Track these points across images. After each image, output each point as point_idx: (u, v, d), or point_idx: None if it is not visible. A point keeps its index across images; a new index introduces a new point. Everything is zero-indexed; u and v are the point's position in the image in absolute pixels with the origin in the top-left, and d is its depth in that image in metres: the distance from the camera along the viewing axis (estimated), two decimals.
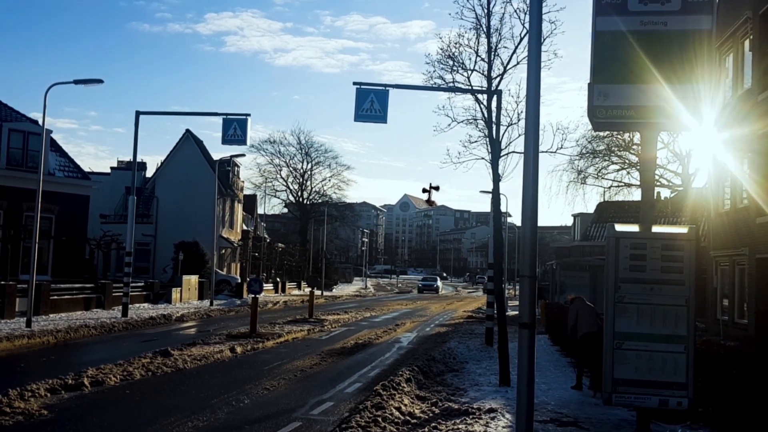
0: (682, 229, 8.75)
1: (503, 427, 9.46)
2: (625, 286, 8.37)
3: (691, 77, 8.19)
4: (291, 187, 74.47)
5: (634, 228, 8.80)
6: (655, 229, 8.62)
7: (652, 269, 8.33)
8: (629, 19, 8.28)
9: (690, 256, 8.31)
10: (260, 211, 74.23)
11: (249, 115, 24.78)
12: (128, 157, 55.17)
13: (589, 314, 13.35)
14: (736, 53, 22.41)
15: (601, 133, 34.45)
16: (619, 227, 8.82)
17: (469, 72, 15.65)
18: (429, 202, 21.40)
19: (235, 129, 24.52)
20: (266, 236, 71.13)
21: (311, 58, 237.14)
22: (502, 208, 27.20)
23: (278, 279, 57.42)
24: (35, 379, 11.31)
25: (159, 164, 52.16)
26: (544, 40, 13.95)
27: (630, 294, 8.35)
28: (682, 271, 8.31)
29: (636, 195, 42.23)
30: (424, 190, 21.35)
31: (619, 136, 35.45)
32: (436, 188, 21.20)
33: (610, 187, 40.09)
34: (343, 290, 69.41)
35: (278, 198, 76.37)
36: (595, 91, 8.30)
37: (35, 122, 32.55)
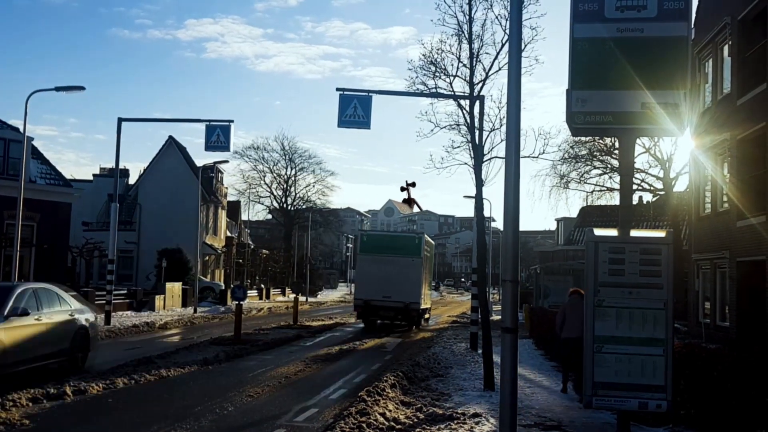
0: (660, 233, 8.85)
1: None
2: (605, 290, 8.45)
3: (669, 83, 8.29)
4: (275, 193, 74.16)
5: (612, 232, 8.90)
6: (634, 233, 8.72)
7: (631, 273, 8.42)
8: (606, 26, 8.38)
9: (668, 260, 8.40)
10: (244, 217, 74.04)
11: (232, 121, 24.66)
12: (110, 164, 54.89)
13: (577, 317, 13.37)
14: (716, 58, 22.69)
15: (583, 138, 34.65)
16: (598, 232, 8.91)
17: (452, 78, 15.78)
18: (407, 201, 19.99)
19: (218, 135, 24.44)
20: (250, 242, 70.96)
21: (293, 64, 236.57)
22: (486, 213, 27.44)
23: (262, 285, 57.26)
24: (16, 389, 11.19)
25: (142, 171, 52.03)
26: (525, 46, 14.11)
27: (609, 298, 8.43)
28: (660, 275, 8.40)
29: (618, 199, 42.45)
30: (406, 197, 19.97)
31: (600, 141, 35.69)
32: (413, 185, 19.76)
33: (592, 192, 40.30)
34: (327, 296, 69.23)
35: (262, 204, 75.95)
36: (574, 97, 8.39)
37: (16, 129, 32.31)
